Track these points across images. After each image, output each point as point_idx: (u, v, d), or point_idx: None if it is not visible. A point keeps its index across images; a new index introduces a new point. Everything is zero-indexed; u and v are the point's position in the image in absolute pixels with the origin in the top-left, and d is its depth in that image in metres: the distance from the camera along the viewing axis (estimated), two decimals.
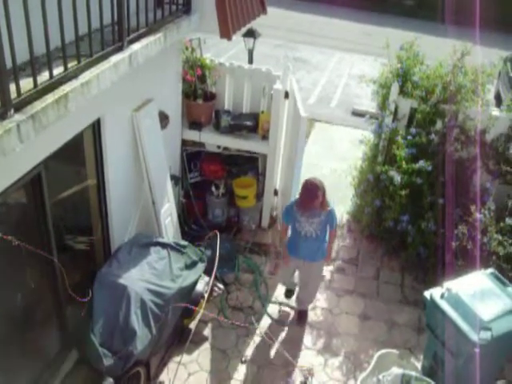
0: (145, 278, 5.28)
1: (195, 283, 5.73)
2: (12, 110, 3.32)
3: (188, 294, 5.63)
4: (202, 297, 5.85)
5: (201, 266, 5.88)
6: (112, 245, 6.09)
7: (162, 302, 5.21)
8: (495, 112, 7.18)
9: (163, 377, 5.87)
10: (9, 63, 3.20)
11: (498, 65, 7.56)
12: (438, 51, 7.63)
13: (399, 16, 21.30)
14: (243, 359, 6.15)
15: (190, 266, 5.79)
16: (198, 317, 6.04)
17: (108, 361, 4.81)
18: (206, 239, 6.15)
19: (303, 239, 6.14)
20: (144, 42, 5.03)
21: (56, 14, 3.58)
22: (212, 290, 6.24)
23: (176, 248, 5.85)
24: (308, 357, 6.32)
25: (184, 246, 5.95)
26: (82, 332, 4.99)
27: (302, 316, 6.83)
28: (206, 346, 6.32)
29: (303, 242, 6.17)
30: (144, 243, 5.69)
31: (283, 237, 6.57)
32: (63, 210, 5.34)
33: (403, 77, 7.38)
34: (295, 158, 6.88)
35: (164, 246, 5.79)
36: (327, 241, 6.29)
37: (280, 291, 7.19)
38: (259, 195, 8.18)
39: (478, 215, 6.57)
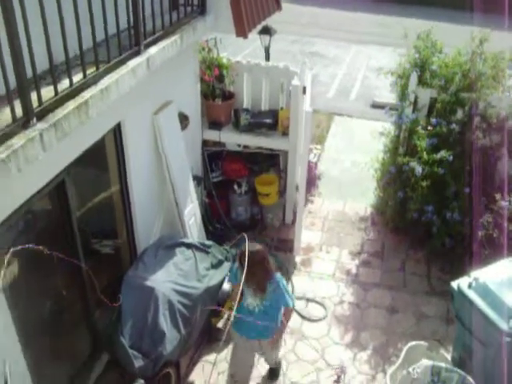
0: (171, 279, 5.32)
1: (222, 282, 5.75)
2: (34, 119, 3.38)
3: (215, 294, 5.66)
4: (229, 296, 5.87)
5: (226, 265, 5.90)
6: (138, 247, 6.14)
7: (189, 302, 5.25)
8: None
9: (193, 376, 5.92)
10: (29, 72, 3.25)
11: None
12: (456, 39, 7.55)
13: (415, 5, 21.07)
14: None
15: (216, 265, 5.82)
16: (226, 315, 6.08)
17: (138, 362, 4.85)
18: (233, 242, 6.09)
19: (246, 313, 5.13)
20: (161, 45, 5.08)
21: (73, 21, 3.62)
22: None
23: (201, 248, 5.88)
24: (337, 352, 6.33)
25: (209, 246, 5.98)
26: (111, 335, 5.05)
27: (272, 373, 6.06)
28: None
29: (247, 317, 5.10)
30: (169, 245, 5.72)
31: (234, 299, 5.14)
32: (88, 215, 5.39)
33: (421, 66, 7.32)
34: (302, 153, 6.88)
35: (189, 246, 5.82)
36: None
37: (307, 286, 7.20)
38: (281, 192, 8.18)
39: (503, 203, 6.51)
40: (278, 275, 5.14)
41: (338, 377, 5.92)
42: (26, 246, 3.55)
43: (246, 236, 5.20)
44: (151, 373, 4.95)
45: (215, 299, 5.63)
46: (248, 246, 4.69)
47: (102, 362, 5.65)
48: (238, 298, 4.74)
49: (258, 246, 4.94)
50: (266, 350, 5.46)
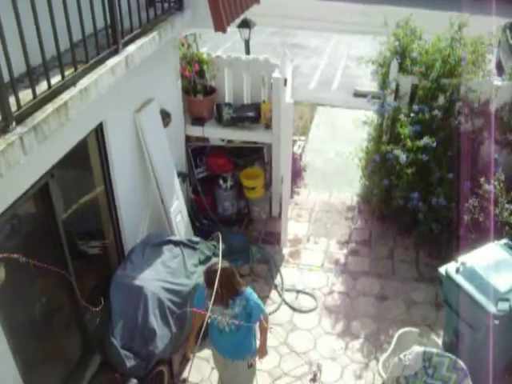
0: (160, 278, 5.31)
1: None
2: (14, 123, 3.35)
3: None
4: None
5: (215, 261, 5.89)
6: (125, 247, 6.12)
7: (178, 299, 5.25)
8: (497, 82, 7.13)
9: (186, 373, 5.91)
10: (6, 76, 3.22)
11: (496, 34, 7.50)
12: (436, 25, 7.56)
13: None
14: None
15: (204, 261, 5.82)
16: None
17: (130, 362, 4.86)
18: (210, 239, 6.02)
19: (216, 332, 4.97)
20: (139, 42, 5.05)
21: (49, 23, 3.59)
22: None
23: (188, 245, 5.88)
24: (328, 341, 6.36)
25: (196, 242, 5.98)
26: (102, 335, 5.04)
27: None
28: None
29: (218, 336, 4.98)
30: (156, 243, 5.72)
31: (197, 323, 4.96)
32: (74, 217, 5.37)
33: (402, 54, 7.33)
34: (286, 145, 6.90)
35: (176, 243, 5.82)
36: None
37: (296, 278, 7.22)
38: (267, 185, 8.18)
39: (488, 186, 6.55)
40: (249, 290, 4.80)
41: (315, 375, 5.89)
42: (1, 255, 3.55)
43: (219, 235, 5.14)
44: (144, 372, 4.96)
45: None
46: (214, 266, 4.58)
47: (95, 363, 5.64)
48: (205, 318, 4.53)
49: (225, 264, 4.62)
50: (239, 371, 5.09)
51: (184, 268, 5.58)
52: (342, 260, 7.57)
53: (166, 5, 5.85)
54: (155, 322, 5.03)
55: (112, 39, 4.64)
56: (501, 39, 12.32)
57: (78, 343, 5.61)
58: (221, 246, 4.87)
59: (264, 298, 6.88)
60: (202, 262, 5.78)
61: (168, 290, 5.23)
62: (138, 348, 4.94)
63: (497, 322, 4.85)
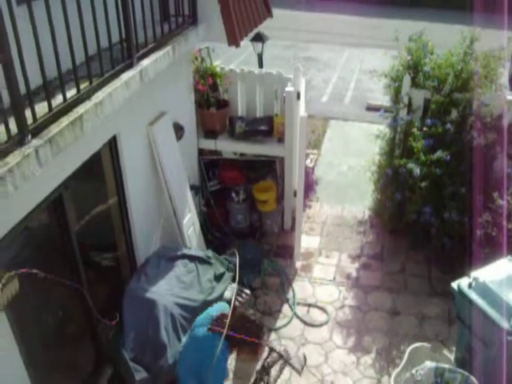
0: (173, 293, 5.31)
1: (222, 294, 5.75)
2: (29, 136, 3.39)
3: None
4: (229, 303, 5.87)
5: (228, 276, 5.89)
6: (137, 258, 6.14)
7: (190, 315, 5.23)
8: (510, 96, 7.11)
9: None
10: (22, 88, 3.26)
11: (508, 47, 7.49)
12: (448, 39, 7.57)
13: (406, 6, 21.14)
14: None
15: (219, 277, 5.82)
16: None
17: (139, 375, 4.86)
18: (228, 253, 6.10)
19: None
20: (153, 56, 5.10)
21: (65, 36, 3.64)
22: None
23: (203, 260, 5.88)
24: (340, 356, 6.32)
25: (210, 257, 5.99)
26: (114, 347, 5.05)
27: None
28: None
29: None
30: (171, 256, 5.72)
31: None
32: (87, 228, 5.40)
33: (414, 68, 7.34)
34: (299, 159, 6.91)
35: (191, 258, 5.82)
36: None
37: (308, 291, 7.20)
38: (279, 198, 8.19)
39: (501, 201, 6.52)
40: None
41: None
42: (19, 271, 3.59)
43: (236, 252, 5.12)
44: None
45: None
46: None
47: (107, 375, 5.65)
48: None
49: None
50: None
51: (198, 284, 5.58)
52: (354, 274, 7.54)
53: (180, 19, 5.92)
54: (166, 336, 5.02)
55: (127, 53, 4.69)
56: None
57: (90, 354, 5.62)
58: (238, 261, 4.86)
59: (275, 311, 6.88)
60: (216, 278, 5.78)
61: (180, 306, 5.22)
62: (148, 362, 4.94)
63: (510, 338, 4.81)
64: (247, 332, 4.57)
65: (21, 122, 3.29)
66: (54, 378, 5.06)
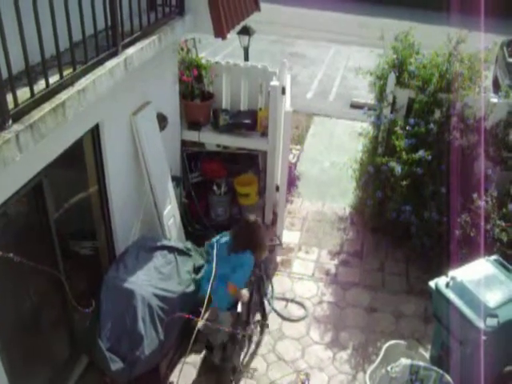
0: (152, 283, 5.29)
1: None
2: (10, 121, 3.35)
3: (193, 296, 5.64)
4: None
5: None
6: (116, 248, 6.10)
7: (168, 306, 5.22)
8: (493, 99, 7.17)
9: (173, 378, 5.89)
10: (4, 73, 3.22)
11: (492, 50, 7.54)
12: (434, 40, 7.61)
13: (394, 6, 21.18)
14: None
15: (198, 269, 5.81)
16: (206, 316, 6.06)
17: (115, 365, 4.83)
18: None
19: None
20: (139, 45, 5.06)
21: (49, 21, 3.60)
22: None
23: (183, 251, 5.86)
24: (316, 351, 6.34)
25: (190, 249, 5.97)
26: (90, 336, 5.02)
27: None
28: None
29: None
30: (151, 247, 5.70)
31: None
32: (66, 217, 5.36)
33: (399, 67, 7.37)
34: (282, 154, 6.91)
35: (171, 249, 5.80)
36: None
37: (287, 286, 7.21)
38: (261, 192, 8.18)
39: (480, 202, 6.57)
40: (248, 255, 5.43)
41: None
42: None
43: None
44: (128, 376, 4.93)
45: (194, 302, 5.60)
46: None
47: (82, 364, 5.62)
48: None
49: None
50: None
51: (177, 275, 5.56)
52: (333, 270, 7.57)
53: (167, 9, 5.88)
54: (143, 327, 5.00)
55: (112, 41, 4.65)
56: (498, 56, 12.40)
57: (65, 343, 5.58)
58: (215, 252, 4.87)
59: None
60: (195, 270, 5.77)
61: (158, 297, 5.20)
62: (124, 352, 4.91)
63: (485, 337, 4.86)
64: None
65: (1, 106, 3.25)
66: (27, 364, 5.02)
